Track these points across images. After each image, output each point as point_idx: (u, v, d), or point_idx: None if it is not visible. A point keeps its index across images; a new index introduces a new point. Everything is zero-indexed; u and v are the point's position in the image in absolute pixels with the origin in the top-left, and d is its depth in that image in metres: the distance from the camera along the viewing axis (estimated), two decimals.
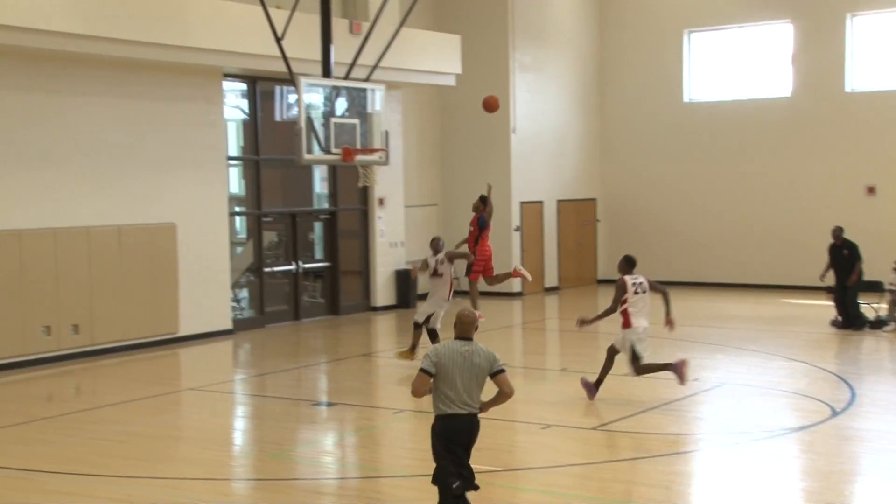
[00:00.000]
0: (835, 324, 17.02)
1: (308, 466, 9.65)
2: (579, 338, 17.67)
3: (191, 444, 10.54)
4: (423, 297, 21.62)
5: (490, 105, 14.04)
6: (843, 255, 16.92)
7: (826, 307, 18.01)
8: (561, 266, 23.98)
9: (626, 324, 11.56)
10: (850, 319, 16.76)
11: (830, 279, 17.17)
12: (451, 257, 14.08)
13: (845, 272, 16.85)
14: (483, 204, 14.65)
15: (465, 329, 7.00)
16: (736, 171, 23.45)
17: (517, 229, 22.52)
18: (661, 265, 24.41)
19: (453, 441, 6.87)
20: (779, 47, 23.00)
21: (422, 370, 6.85)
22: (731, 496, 8.45)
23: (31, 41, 13.43)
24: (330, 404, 12.32)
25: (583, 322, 12.12)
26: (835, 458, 9.45)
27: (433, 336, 13.80)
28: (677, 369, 11.38)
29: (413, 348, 13.92)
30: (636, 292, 11.58)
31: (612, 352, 11.80)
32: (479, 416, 7.02)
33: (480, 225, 14.53)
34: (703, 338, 16.41)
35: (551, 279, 23.73)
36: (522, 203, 22.67)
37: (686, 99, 24.07)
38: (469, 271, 14.48)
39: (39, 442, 10.31)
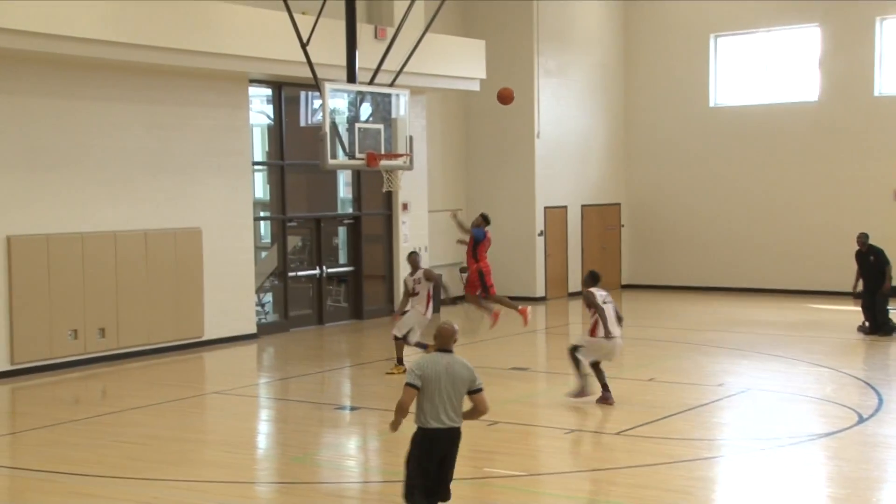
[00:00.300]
0: (862, 329, 16.86)
1: (331, 470, 9.68)
2: None
3: (215, 447, 10.59)
4: (444, 302, 21.70)
5: (504, 97, 14.03)
6: (870, 261, 16.78)
7: (853, 313, 17.86)
8: (584, 271, 23.82)
9: (592, 333, 11.91)
10: (878, 325, 16.60)
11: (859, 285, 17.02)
12: (429, 276, 14.04)
13: (872, 278, 16.70)
14: (485, 221, 14.63)
15: (444, 342, 7.06)
16: (762, 176, 23.31)
17: (541, 234, 22.50)
18: (686, 270, 24.33)
19: (430, 453, 6.93)
20: (806, 51, 22.85)
21: (408, 384, 6.90)
22: (755, 503, 8.39)
23: (59, 48, 13.57)
24: (353, 408, 12.34)
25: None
26: (862, 464, 9.36)
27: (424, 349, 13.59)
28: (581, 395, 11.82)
29: (399, 361, 13.87)
30: (604, 302, 12.06)
31: (593, 363, 11.93)
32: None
33: (477, 238, 14.47)
34: (729, 343, 16.31)
35: (575, 284, 23.62)
36: (546, 208, 22.65)
37: (712, 103, 23.95)
38: (466, 285, 14.49)
39: (66, 444, 10.40)
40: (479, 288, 14.46)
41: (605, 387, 11.81)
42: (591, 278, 12.57)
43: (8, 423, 12.05)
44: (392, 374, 13.75)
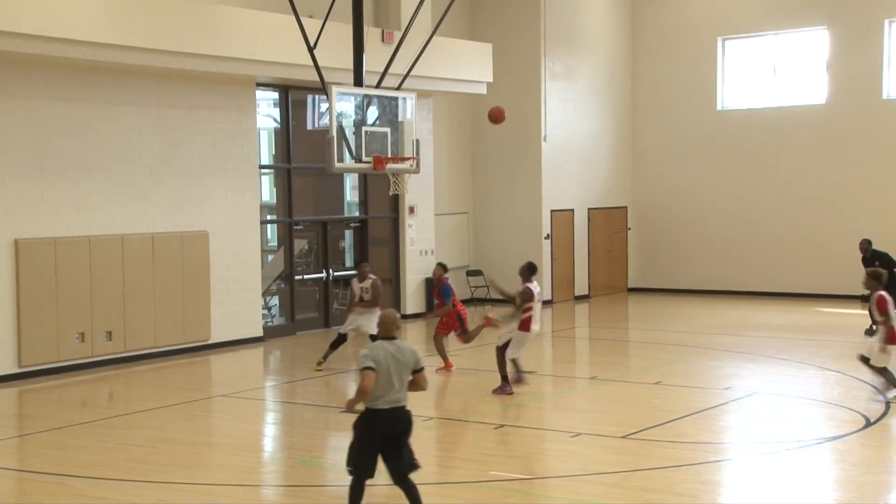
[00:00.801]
0: (870, 333, 16.80)
1: (337, 473, 9.67)
2: (609, 346, 17.60)
3: (222, 450, 10.61)
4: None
5: (495, 116, 13.90)
6: (875, 266, 16.70)
7: (860, 316, 17.82)
8: (591, 274, 23.91)
9: (526, 327, 12.37)
10: None
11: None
12: (377, 288, 14.31)
13: None
14: (444, 270, 14.56)
15: (388, 329, 7.61)
16: (770, 179, 23.27)
17: (547, 237, 22.49)
18: (692, 274, 24.29)
19: (376, 431, 7.46)
20: (814, 54, 22.81)
21: (367, 368, 7.38)
22: None
23: (67, 51, 13.63)
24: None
25: (489, 322, 13.38)
26: (869, 468, 9.33)
27: (339, 342, 14.51)
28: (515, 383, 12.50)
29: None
30: (537, 300, 12.44)
31: (501, 351, 12.47)
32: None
33: (443, 295, 14.32)
34: (736, 347, 16.28)
35: (581, 287, 23.66)
36: (553, 211, 22.64)
37: (719, 107, 23.92)
38: (438, 325, 14.51)
39: (73, 447, 10.43)
40: (452, 329, 14.39)
41: (505, 377, 12.50)
42: (530, 270, 12.71)
43: (15, 425, 12.09)
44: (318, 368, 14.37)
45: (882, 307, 11.93)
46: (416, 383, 7.64)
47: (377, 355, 7.42)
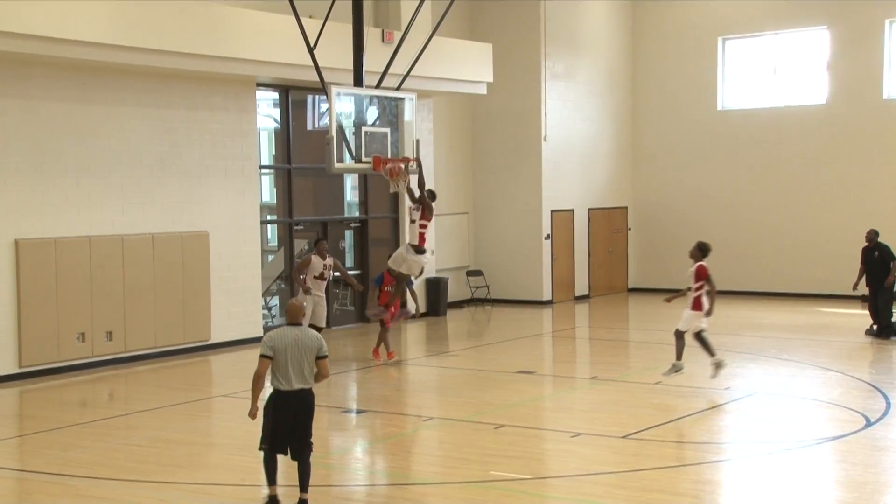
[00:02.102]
0: (871, 333, 16.82)
1: (338, 473, 9.69)
2: (609, 346, 17.60)
3: (222, 450, 10.61)
4: (454, 305, 21.70)
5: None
6: (874, 256, 16.73)
7: (861, 316, 17.82)
8: (591, 274, 23.90)
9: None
10: (881, 328, 16.55)
11: (863, 287, 16.98)
12: (339, 270, 15.24)
13: (877, 276, 16.66)
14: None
15: (294, 316, 8.18)
16: (770, 179, 23.26)
17: (547, 237, 22.49)
18: None
19: (283, 411, 8.00)
20: (815, 54, 22.80)
21: (262, 356, 7.97)
22: None
23: (67, 51, 13.63)
24: (360, 411, 12.35)
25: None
26: (869, 468, 9.33)
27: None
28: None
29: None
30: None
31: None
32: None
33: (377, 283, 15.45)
34: (737, 346, 16.27)
35: (581, 287, 23.66)
36: (553, 211, 22.64)
37: (720, 107, 23.92)
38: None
39: (74, 447, 10.43)
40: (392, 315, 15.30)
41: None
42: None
43: (16, 425, 12.10)
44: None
45: (702, 276, 12.53)
46: (319, 371, 8.11)
47: (276, 342, 7.93)
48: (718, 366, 12.77)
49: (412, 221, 14.38)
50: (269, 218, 18.64)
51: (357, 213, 20.05)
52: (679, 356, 12.82)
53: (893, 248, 16.98)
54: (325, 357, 8.13)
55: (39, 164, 14.42)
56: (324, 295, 15.15)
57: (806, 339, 17.10)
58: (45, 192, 14.49)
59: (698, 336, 12.77)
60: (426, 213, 14.25)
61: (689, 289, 12.74)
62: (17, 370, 14.14)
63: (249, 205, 17.24)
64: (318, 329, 14.53)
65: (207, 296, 16.47)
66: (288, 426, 8.03)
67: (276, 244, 19.16)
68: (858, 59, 22.13)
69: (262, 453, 8.18)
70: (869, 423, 10.86)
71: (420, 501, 8.63)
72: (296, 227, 18.63)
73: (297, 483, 8.17)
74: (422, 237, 14.16)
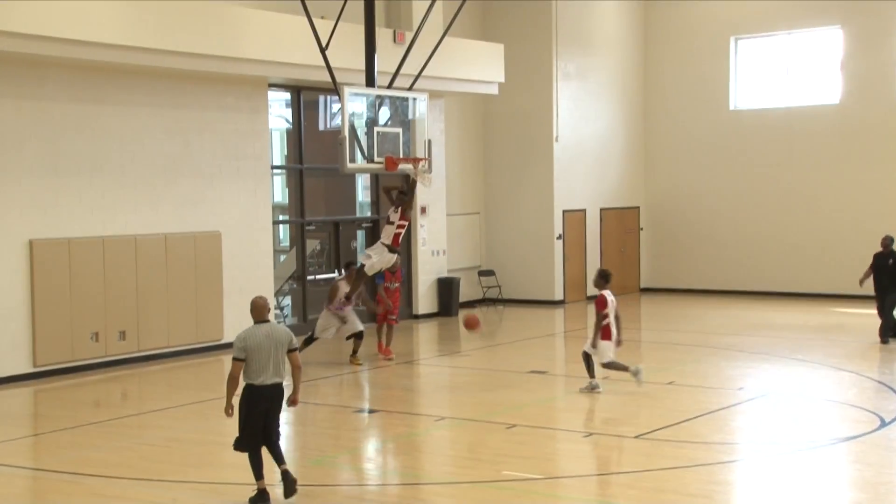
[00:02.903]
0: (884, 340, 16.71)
1: (349, 473, 9.70)
2: (622, 346, 17.54)
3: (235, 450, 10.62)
4: (465, 305, 21.68)
5: (470, 324, 13.72)
6: (889, 264, 16.60)
7: (874, 316, 17.72)
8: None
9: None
10: (885, 331, 16.46)
11: (869, 286, 16.88)
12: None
13: (888, 283, 16.53)
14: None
15: (260, 313, 8.46)
16: (782, 179, 23.18)
17: (559, 237, 22.46)
18: (705, 274, 24.23)
19: (256, 404, 8.26)
20: (828, 53, 22.71)
21: (235, 359, 8.27)
22: None
23: (81, 53, 13.69)
24: (372, 411, 12.36)
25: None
26: (884, 468, 9.29)
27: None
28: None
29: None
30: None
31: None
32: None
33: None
34: (749, 347, 16.23)
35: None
36: (565, 211, 22.61)
37: (732, 106, 23.85)
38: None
39: (87, 446, 10.48)
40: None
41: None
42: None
43: (30, 425, 12.16)
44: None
45: (601, 306, 12.53)
46: (291, 364, 8.40)
47: (248, 341, 8.24)
48: (592, 388, 12.67)
49: (390, 222, 14.33)
50: (281, 218, 18.68)
51: (369, 214, 20.07)
52: (592, 374, 12.73)
53: None
54: (296, 350, 8.45)
55: (53, 164, 14.49)
56: (349, 307, 15.07)
57: (819, 340, 17.03)
58: (59, 193, 14.55)
59: (605, 365, 12.74)
60: (405, 215, 14.22)
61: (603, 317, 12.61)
62: (31, 370, 14.21)
63: (261, 205, 17.28)
64: (360, 334, 14.89)
65: (220, 295, 16.51)
66: (262, 420, 8.32)
67: (287, 244, 19.20)
68: (872, 58, 22.03)
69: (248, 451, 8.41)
70: (883, 424, 10.81)
71: (432, 501, 8.63)
72: (308, 228, 18.66)
73: (275, 460, 8.44)
74: (397, 238, 14.17)
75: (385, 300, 15.69)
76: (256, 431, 8.33)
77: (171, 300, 15.78)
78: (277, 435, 8.49)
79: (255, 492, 8.35)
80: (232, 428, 11.77)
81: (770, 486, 8.85)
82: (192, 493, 8.74)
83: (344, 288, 14.82)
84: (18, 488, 9.21)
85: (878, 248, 16.96)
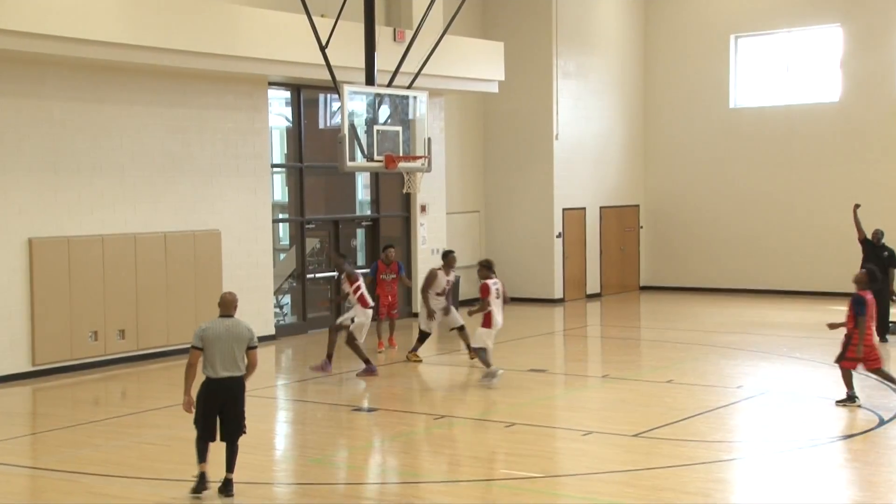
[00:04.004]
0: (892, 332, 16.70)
1: (349, 471, 9.71)
2: (621, 344, 17.58)
3: None
4: (465, 303, 21.69)
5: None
6: (884, 255, 16.57)
7: None
8: (603, 273, 23.87)
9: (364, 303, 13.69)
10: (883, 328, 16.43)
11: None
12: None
13: (881, 273, 16.46)
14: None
15: (226, 308, 8.68)
16: (782, 177, 23.18)
17: (559, 236, 22.47)
18: (705, 272, 24.22)
19: (212, 398, 8.43)
20: (827, 52, 22.70)
21: (193, 347, 8.50)
22: None
23: (80, 51, 13.68)
24: (371, 409, 12.37)
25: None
26: (882, 467, 9.30)
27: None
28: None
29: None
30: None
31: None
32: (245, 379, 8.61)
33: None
34: (748, 345, 16.24)
35: (593, 286, 23.62)
36: (565, 210, 22.61)
37: (732, 105, 23.84)
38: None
39: (86, 445, 10.48)
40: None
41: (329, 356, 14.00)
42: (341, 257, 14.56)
43: (29, 423, 12.17)
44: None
45: (484, 293, 12.88)
46: (249, 361, 8.54)
47: (207, 332, 8.47)
48: (491, 376, 12.89)
49: (346, 293, 14.21)
50: (280, 216, 18.68)
51: (369, 212, 20.07)
52: (488, 364, 12.89)
53: None
54: (255, 348, 8.59)
55: (53, 163, 14.49)
56: (447, 302, 15.00)
57: (818, 338, 17.01)
58: (59, 192, 14.55)
59: (475, 349, 13.08)
60: (350, 280, 14.07)
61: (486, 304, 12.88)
62: (30, 368, 14.21)
63: (261, 203, 17.28)
64: (461, 328, 14.76)
65: (219, 294, 16.44)
66: (217, 412, 8.46)
67: (287, 243, 19.20)
68: (872, 56, 22.02)
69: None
70: (882, 422, 10.81)
71: (430, 500, 8.64)
72: (307, 226, 18.66)
73: (226, 464, 8.51)
74: (363, 298, 13.94)
75: (386, 294, 15.95)
76: (211, 425, 8.48)
77: (170, 299, 15.78)
78: (238, 432, 8.55)
79: (196, 476, 8.47)
80: None
81: (769, 485, 8.85)
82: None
83: (443, 276, 14.82)
84: (17, 487, 9.22)
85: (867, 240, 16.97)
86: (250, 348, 8.54)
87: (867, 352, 11.49)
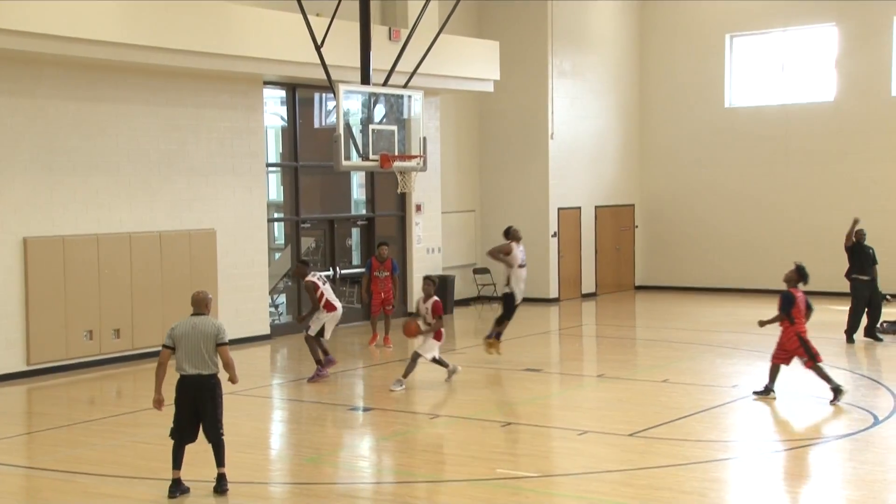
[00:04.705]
0: (879, 330, 16.75)
1: (345, 471, 9.71)
2: (617, 344, 17.59)
3: (229, 447, 10.52)
4: (460, 303, 21.69)
5: (409, 332, 13.56)
6: (869, 252, 16.62)
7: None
8: (598, 272, 23.89)
9: (330, 308, 13.66)
10: (870, 327, 16.48)
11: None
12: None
13: (871, 269, 16.56)
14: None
15: (196, 306, 8.72)
16: (778, 176, 23.22)
17: (554, 235, 22.48)
18: (700, 271, 24.26)
19: (183, 395, 8.55)
20: (822, 51, 22.74)
21: (163, 346, 8.66)
22: None
23: (75, 50, 13.66)
24: (366, 409, 12.37)
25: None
26: (877, 466, 9.31)
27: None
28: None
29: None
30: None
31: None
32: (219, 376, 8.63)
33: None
34: (744, 344, 16.26)
35: (588, 285, 23.64)
36: (560, 209, 22.63)
37: (727, 104, 23.88)
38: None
39: (82, 445, 10.47)
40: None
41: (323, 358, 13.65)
42: (303, 265, 14.29)
43: (24, 423, 12.15)
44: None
45: (437, 312, 13.05)
46: (221, 358, 8.57)
47: (176, 331, 8.57)
48: (453, 371, 13.27)
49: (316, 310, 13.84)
50: (276, 216, 18.67)
51: (364, 211, 20.06)
52: (406, 374, 13.02)
53: None
54: (225, 344, 8.56)
55: (48, 162, 14.46)
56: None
57: (813, 337, 16.99)
58: (54, 191, 14.53)
59: (434, 360, 13.24)
60: (313, 289, 13.82)
61: (428, 323, 13.03)
62: (25, 368, 14.20)
63: (257, 202, 17.27)
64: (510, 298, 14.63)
65: (214, 293, 16.47)
66: (190, 411, 8.53)
67: (282, 242, 19.18)
68: (867, 55, 22.07)
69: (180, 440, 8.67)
70: (877, 422, 10.84)
71: (427, 499, 8.64)
72: (303, 225, 18.65)
73: (215, 460, 8.59)
74: (329, 305, 13.76)
75: (379, 291, 16.06)
76: (184, 423, 8.53)
77: (165, 298, 15.76)
78: (213, 430, 8.56)
79: (171, 481, 8.56)
80: (226, 427, 11.78)
81: (764, 484, 8.87)
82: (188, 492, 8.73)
83: (517, 248, 14.92)
84: (12, 487, 9.20)
85: (874, 247, 17.01)
86: (220, 345, 8.56)
87: (793, 346, 11.90)
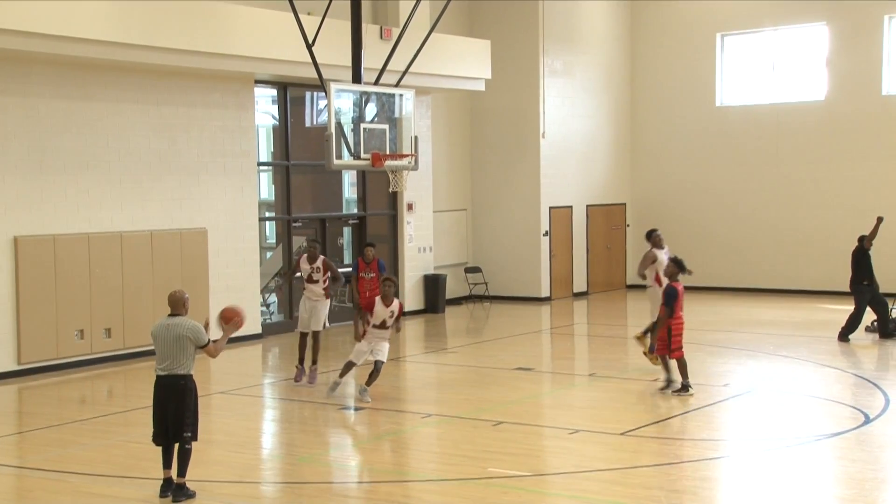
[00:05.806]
0: (871, 329, 16.79)
1: (336, 470, 9.70)
2: (608, 343, 17.61)
3: (221, 447, 10.60)
4: (452, 301, 21.67)
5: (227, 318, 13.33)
6: (870, 258, 16.61)
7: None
8: (590, 271, 23.91)
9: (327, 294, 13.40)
10: (882, 325, 16.50)
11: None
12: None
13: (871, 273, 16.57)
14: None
15: (172, 307, 8.63)
16: (769, 175, 23.27)
17: (546, 234, 22.50)
18: (691, 270, 24.26)
19: (155, 396, 8.53)
20: (813, 50, 22.80)
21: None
22: (760, 503, 8.38)
23: (66, 49, 13.62)
24: (358, 408, 12.36)
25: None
26: (868, 465, 9.34)
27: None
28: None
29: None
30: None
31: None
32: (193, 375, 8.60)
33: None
34: (735, 343, 16.29)
35: (580, 284, 23.67)
36: (551, 208, 22.64)
37: (718, 103, 23.92)
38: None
39: (73, 444, 10.44)
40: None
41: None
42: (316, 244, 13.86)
43: (15, 422, 12.10)
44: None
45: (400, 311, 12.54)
46: (207, 355, 8.66)
47: (153, 331, 8.53)
48: (336, 385, 12.65)
49: (314, 281, 13.47)
50: (267, 215, 18.64)
51: (355, 210, 20.05)
52: (342, 375, 12.64)
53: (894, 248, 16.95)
54: (206, 345, 8.54)
55: (38, 161, 14.41)
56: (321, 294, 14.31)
57: (804, 336, 17.11)
58: (44, 190, 14.48)
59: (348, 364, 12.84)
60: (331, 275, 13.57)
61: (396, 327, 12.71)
62: (16, 367, 14.15)
63: (248, 202, 17.24)
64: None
65: (206, 293, 16.46)
66: (162, 411, 8.48)
67: (274, 241, 19.16)
68: (857, 54, 22.13)
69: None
70: (868, 420, 10.87)
71: (418, 498, 8.64)
72: (294, 224, 18.63)
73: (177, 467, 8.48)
74: (327, 291, 13.58)
75: (365, 291, 15.40)
76: (156, 423, 8.50)
77: (156, 297, 15.68)
78: (180, 432, 8.40)
79: (162, 481, 8.57)
80: (218, 426, 11.82)
81: (756, 483, 8.89)
82: None
83: (662, 254, 14.95)
84: (3, 487, 9.17)
85: (856, 246, 17.03)
86: (201, 347, 8.51)
87: (675, 341, 12.11)
